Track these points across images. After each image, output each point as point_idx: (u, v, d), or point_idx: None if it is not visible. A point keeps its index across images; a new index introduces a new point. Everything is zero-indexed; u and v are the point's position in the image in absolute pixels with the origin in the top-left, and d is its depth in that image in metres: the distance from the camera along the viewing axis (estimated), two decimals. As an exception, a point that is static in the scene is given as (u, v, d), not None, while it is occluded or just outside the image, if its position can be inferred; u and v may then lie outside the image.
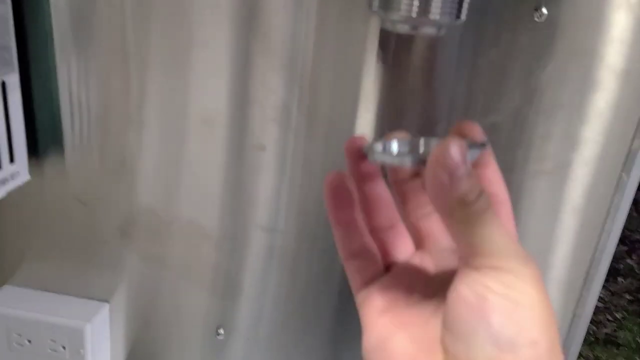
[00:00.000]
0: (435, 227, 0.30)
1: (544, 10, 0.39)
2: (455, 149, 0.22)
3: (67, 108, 0.48)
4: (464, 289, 0.24)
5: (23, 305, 0.54)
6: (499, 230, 0.23)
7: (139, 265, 0.54)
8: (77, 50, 0.46)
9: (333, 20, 0.42)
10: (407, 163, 0.25)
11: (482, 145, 0.26)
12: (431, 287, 0.28)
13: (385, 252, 0.31)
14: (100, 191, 0.51)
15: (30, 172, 0.48)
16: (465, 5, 0.25)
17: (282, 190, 0.49)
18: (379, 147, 0.27)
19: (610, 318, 2.10)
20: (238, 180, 0.49)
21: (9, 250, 0.55)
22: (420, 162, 0.24)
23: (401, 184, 0.30)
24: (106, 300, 0.56)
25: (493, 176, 0.29)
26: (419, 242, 0.31)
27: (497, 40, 0.41)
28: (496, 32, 0.41)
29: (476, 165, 0.28)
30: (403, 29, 0.25)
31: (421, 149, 0.28)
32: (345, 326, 0.53)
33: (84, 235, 0.53)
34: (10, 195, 0.46)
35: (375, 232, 0.31)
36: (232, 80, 0.45)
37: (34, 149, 0.48)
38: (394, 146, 0.27)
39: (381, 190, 0.30)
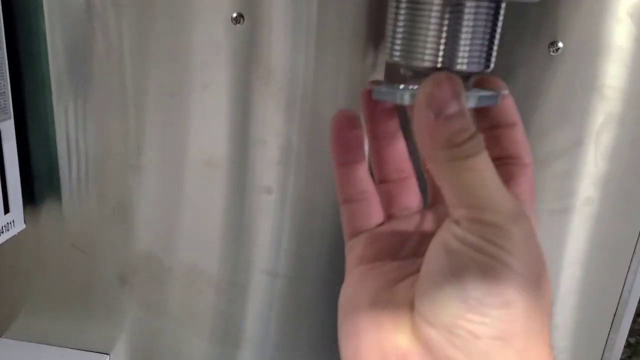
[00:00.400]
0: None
1: (560, 44, 0.38)
2: (445, 84, 0.20)
3: (65, 154, 0.46)
4: (440, 242, 0.22)
5: (19, 359, 0.52)
6: (488, 180, 0.20)
7: (139, 313, 0.52)
8: (74, 94, 0.44)
9: (331, 58, 0.41)
10: (406, 99, 0.22)
11: (497, 93, 0.23)
12: (424, 246, 0.25)
13: (388, 204, 0.29)
14: (99, 238, 0.49)
15: (26, 220, 0.46)
16: (493, 54, 0.23)
17: (284, 232, 0.47)
18: (385, 84, 0.25)
19: (624, 343, 2.06)
20: (239, 223, 0.47)
21: (4, 301, 0.53)
22: None
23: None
24: (106, 353, 0.53)
25: (518, 137, 0.26)
26: (432, 197, 0.29)
27: (512, 76, 0.39)
28: (511, 67, 0.39)
29: (499, 124, 0.26)
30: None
31: None
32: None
33: (82, 284, 0.51)
34: (5, 244, 0.44)
35: (383, 182, 0.29)
36: (232, 121, 0.43)
37: (30, 197, 0.46)
38: (401, 85, 0.24)
39: (394, 139, 0.28)
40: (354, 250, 0.28)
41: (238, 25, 0.40)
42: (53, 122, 0.45)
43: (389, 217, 0.29)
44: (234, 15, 0.40)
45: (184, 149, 0.45)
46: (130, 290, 0.51)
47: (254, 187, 0.45)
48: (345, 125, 0.27)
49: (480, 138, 0.21)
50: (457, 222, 0.21)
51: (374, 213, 0.28)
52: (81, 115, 0.45)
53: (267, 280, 0.48)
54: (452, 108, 0.20)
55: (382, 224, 0.28)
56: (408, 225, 0.28)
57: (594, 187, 0.42)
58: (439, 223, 0.27)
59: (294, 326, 0.50)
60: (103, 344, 0.53)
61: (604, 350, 0.46)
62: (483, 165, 0.20)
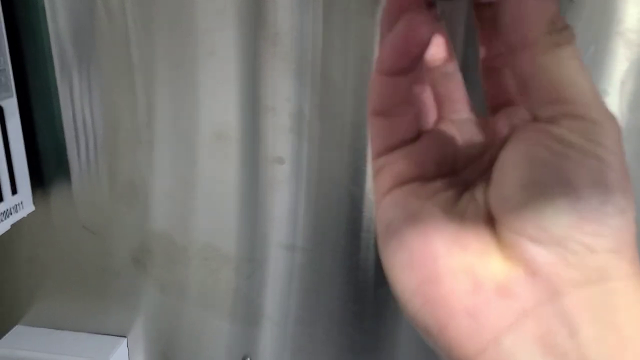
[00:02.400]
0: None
1: (580, -12, 0.36)
2: None
3: (71, 132, 0.45)
4: (536, 145, 0.19)
5: (36, 345, 0.51)
6: (584, 71, 0.19)
7: (155, 295, 0.51)
8: (78, 68, 0.43)
9: (340, 19, 0.39)
10: None
11: None
12: (460, 162, 0.23)
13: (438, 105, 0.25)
14: (111, 218, 0.48)
15: (35, 202, 0.45)
16: None
17: (300, 204, 0.45)
18: None
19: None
20: (254, 195, 0.46)
21: (18, 287, 0.52)
22: None
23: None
24: (123, 335, 0.52)
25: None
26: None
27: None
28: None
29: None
30: None
31: None
32: (376, 351, 0.49)
33: (95, 267, 0.50)
34: (15, 228, 0.43)
35: (435, 78, 0.25)
36: (242, 89, 0.42)
37: (38, 178, 0.45)
38: None
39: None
40: (388, 168, 0.24)
41: (241, -13, 0.39)
42: (58, 99, 0.44)
43: (437, 121, 0.26)
44: (237, -25, 0.38)
45: (194, 121, 0.44)
46: (144, 272, 0.50)
47: (267, 158, 0.44)
48: None
49: (572, 28, 0.19)
50: (553, 121, 0.19)
51: (414, 123, 0.24)
52: (86, 90, 0.44)
53: (285, 254, 0.47)
54: None
55: (420, 135, 0.25)
56: (442, 139, 0.25)
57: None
58: (461, 138, 0.25)
59: (314, 300, 0.48)
60: (120, 327, 0.52)
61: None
62: (578, 56, 0.19)
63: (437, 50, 0.25)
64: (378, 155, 0.24)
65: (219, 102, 0.43)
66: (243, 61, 0.41)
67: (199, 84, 0.42)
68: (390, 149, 0.24)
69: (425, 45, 0.22)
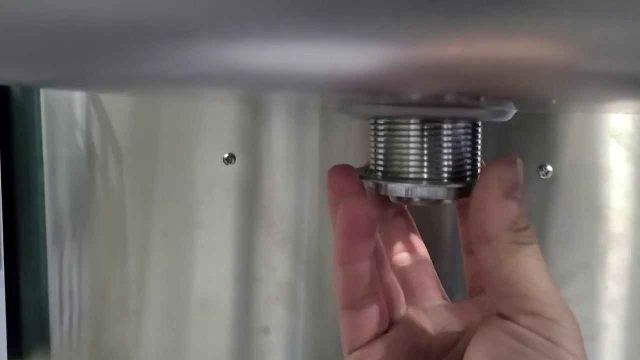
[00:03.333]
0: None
1: (549, 168, 0.38)
2: (517, 168, 0.21)
3: (56, 302, 0.45)
4: (497, 345, 0.20)
5: None
6: (543, 271, 0.20)
7: None
8: (71, 240, 0.44)
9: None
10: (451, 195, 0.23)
11: None
12: (435, 353, 0.24)
13: (408, 294, 0.27)
14: (89, 392, 0.46)
15: (12, 375, 0.44)
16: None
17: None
18: (400, 189, 0.23)
19: None
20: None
21: None
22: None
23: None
24: None
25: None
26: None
27: (505, 201, 0.39)
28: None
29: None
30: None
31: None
32: None
33: None
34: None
35: (397, 271, 0.27)
36: (233, 259, 0.43)
37: (17, 348, 0.44)
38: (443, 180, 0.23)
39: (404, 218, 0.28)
40: None
41: (230, 165, 0.41)
42: (46, 271, 0.44)
43: (409, 310, 0.26)
44: (225, 156, 0.41)
45: (184, 291, 0.44)
46: None
47: (256, 329, 0.43)
48: (356, 202, 0.24)
49: (534, 229, 0.21)
50: (512, 318, 0.20)
51: (385, 315, 0.25)
52: (76, 261, 0.44)
53: None
54: (519, 192, 0.21)
55: (393, 324, 0.25)
56: (413, 329, 0.25)
57: (607, 311, 0.39)
58: (433, 325, 0.25)
59: None
60: None
61: None
62: (538, 256, 0.20)
63: (404, 240, 0.27)
64: (350, 351, 0.25)
65: (209, 273, 0.43)
66: (234, 233, 0.42)
67: (190, 254, 0.43)
68: (361, 344, 0.24)
69: (368, 224, 0.23)
